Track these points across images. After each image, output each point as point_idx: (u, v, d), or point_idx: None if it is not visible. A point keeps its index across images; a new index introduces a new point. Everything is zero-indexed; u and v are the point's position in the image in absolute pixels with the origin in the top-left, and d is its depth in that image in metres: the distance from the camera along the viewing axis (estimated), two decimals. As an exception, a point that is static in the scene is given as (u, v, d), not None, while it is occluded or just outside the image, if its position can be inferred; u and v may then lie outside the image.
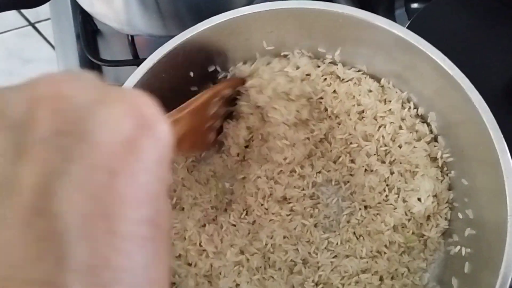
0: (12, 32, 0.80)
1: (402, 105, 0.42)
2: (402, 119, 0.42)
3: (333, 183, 0.43)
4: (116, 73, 0.56)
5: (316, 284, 0.40)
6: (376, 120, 0.42)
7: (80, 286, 0.14)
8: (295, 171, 0.43)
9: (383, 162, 0.42)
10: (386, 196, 0.41)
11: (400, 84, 0.42)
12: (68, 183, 0.15)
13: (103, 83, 0.18)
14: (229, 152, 0.44)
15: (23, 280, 0.14)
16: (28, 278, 0.14)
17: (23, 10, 0.76)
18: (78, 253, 0.14)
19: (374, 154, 0.42)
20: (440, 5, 0.50)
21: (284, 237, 0.41)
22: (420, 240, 0.40)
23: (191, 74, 0.41)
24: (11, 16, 0.76)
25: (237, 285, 0.39)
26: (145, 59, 0.37)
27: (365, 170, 0.42)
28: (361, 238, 0.41)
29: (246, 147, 0.44)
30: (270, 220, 0.42)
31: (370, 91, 0.42)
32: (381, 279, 0.39)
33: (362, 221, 0.41)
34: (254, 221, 0.42)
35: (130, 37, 0.53)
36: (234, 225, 0.42)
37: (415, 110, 0.42)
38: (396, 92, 0.42)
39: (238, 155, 0.44)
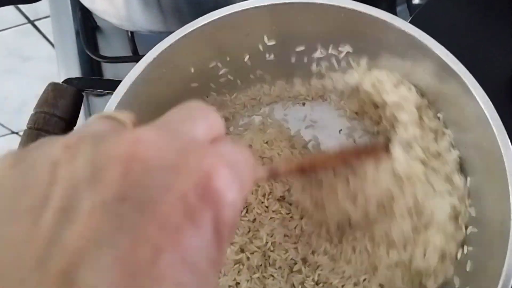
0: (11, 29, 0.80)
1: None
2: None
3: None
4: (115, 70, 0.56)
5: (316, 283, 0.39)
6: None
7: None
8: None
9: None
10: None
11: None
12: (108, 256, 0.14)
13: (189, 140, 0.17)
14: None
15: None
16: None
17: (22, 8, 0.76)
18: None
19: None
20: (442, 1, 0.49)
21: (285, 236, 0.41)
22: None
23: (191, 69, 0.41)
24: (10, 14, 0.76)
25: (237, 283, 0.39)
26: (144, 55, 0.37)
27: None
28: (359, 253, 0.40)
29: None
30: (271, 218, 0.41)
31: None
32: (380, 285, 0.39)
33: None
34: (255, 219, 0.42)
35: (130, 33, 0.53)
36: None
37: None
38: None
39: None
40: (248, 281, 0.39)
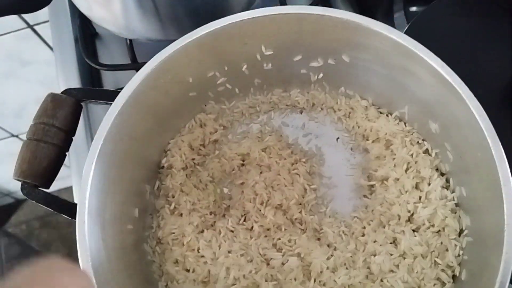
0: (11, 34, 0.80)
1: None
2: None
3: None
4: (114, 77, 0.56)
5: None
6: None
7: None
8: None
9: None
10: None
11: (398, 92, 0.42)
12: None
13: None
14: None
15: None
16: None
17: (21, 13, 0.76)
18: None
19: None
20: (439, 9, 0.50)
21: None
22: None
23: (190, 79, 0.41)
24: (9, 19, 0.76)
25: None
26: (143, 63, 0.37)
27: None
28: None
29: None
30: (268, 229, 0.42)
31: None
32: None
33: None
34: (252, 227, 0.42)
35: (128, 41, 0.53)
36: (232, 231, 0.42)
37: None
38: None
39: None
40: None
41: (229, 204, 0.43)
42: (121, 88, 0.37)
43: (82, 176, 0.34)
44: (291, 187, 0.42)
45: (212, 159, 0.45)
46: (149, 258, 0.41)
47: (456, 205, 0.40)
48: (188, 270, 0.40)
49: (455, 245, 0.38)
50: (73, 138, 0.39)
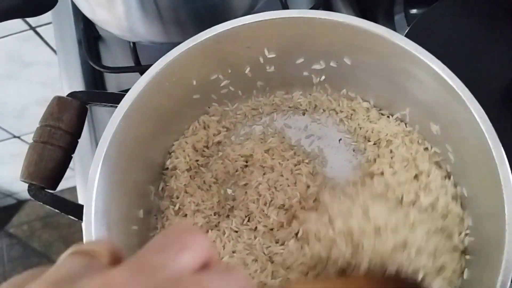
0: (13, 36, 0.81)
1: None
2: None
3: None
4: (117, 79, 0.56)
5: None
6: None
7: None
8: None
9: None
10: None
11: (400, 94, 0.42)
12: None
13: (166, 278, 0.16)
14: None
15: None
16: None
17: (24, 15, 0.76)
18: None
19: None
20: (440, 11, 0.50)
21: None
22: None
23: (194, 82, 0.42)
24: (12, 20, 0.77)
25: None
26: (147, 65, 0.38)
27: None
28: None
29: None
30: (271, 229, 0.42)
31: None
32: None
33: None
34: (256, 227, 0.42)
35: (131, 44, 0.53)
36: (236, 231, 0.42)
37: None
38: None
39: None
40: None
41: (233, 205, 0.44)
42: (125, 91, 0.38)
43: (87, 178, 0.35)
44: (294, 187, 0.43)
45: (215, 161, 0.45)
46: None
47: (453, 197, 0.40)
48: (193, 271, 0.41)
49: (460, 232, 0.38)
50: (78, 140, 0.40)
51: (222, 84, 0.44)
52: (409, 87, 0.40)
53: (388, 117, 0.45)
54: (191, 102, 0.43)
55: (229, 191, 0.45)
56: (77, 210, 0.36)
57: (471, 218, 0.38)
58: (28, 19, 0.78)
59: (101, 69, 0.53)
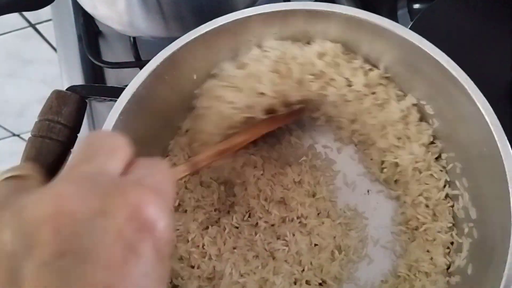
0: (13, 33, 0.80)
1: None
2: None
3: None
4: (117, 75, 0.56)
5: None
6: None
7: None
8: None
9: None
10: None
11: (403, 86, 0.42)
12: None
13: (107, 181, 0.18)
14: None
15: None
16: None
17: (23, 12, 0.76)
18: None
19: None
20: (443, 5, 0.50)
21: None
22: None
23: (194, 76, 0.41)
24: (11, 17, 0.76)
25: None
26: (147, 61, 0.37)
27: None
28: None
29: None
30: (272, 225, 0.42)
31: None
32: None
33: None
34: (257, 223, 0.42)
35: (132, 39, 0.53)
36: (237, 227, 0.42)
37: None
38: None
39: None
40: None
41: (233, 201, 0.43)
42: (126, 85, 0.37)
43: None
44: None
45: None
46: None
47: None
48: (193, 267, 0.40)
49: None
50: (78, 135, 0.39)
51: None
52: (412, 79, 0.40)
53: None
54: (192, 96, 0.43)
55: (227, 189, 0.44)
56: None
57: (475, 212, 0.37)
58: (27, 16, 0.78)
59: (101, 65, 0.53)
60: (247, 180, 0.43)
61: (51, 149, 0.37)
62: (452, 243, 0.39)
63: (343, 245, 0.41)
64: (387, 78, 0.42)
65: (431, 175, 0.41)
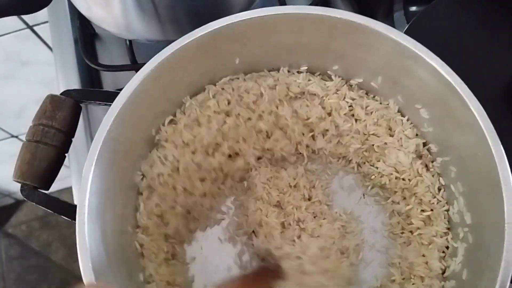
0: (10, 35, 0.80)
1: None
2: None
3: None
4: (114, 78, 0.56)
5: None
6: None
7: None
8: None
9: None
10: None
11: (398, 90, 0.42)
12: None
13: None
14: None
15: None
16: None
17: (21, 13, 0.76)
18: None
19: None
20: (439, 8, 0.49)
21: None
22: None
23: (189, 80, 0.41)
24: (9, 19, 0.76)
25: None
26: (143, 64, 0.37)
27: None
28: None
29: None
30: None
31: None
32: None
33: None
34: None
35: (128, 42, 0.53)
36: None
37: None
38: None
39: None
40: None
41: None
42: (121, 89, 0.37)
43: (81, 177, 0.34)
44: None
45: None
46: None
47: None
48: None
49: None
50: (73, 139, 0.39)
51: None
52: (407, 83, 0.40)
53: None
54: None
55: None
56: (70, 210, 0.36)
57: (470, 217, 0.37)
58: (25, 18, 0.78)
59: (97, 67, 0.53)
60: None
61: (46, 154, 0.37)
62: (447, 247, 0.39)
63: (343, 248, 0.41)
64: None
65: (424, 181, 0.41)
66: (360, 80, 0.43)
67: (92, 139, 0.51)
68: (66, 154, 0.39)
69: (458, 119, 0.36)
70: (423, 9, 0.50)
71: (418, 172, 0.41)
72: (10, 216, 1.39)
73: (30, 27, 0.80)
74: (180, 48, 0.37)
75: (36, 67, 0.90)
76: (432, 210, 0.40)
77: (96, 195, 0.35)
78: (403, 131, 0.42)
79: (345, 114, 0.43)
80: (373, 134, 0.42)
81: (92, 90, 0.49)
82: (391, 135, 0.42)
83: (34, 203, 0.37)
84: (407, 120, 0.43)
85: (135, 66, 0.52)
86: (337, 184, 0.44)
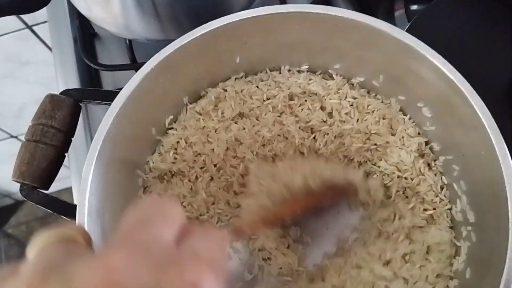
0: (10, 35, 0.80)
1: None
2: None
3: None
4: (113, 77, 0.56)
5: None
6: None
7: None
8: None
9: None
10: None
11: (399, 89, 0.41)
12: None
13: (161, 252, 0.17)
14: None
15: None
16: None
17: (20, 13, 0.76)
18: None
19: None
20: (440, 7, 0.49)
21: None
22: None
23: (190, 79, 0.41)
24: (8, 19, 0.76)
25: None
26: (143, 63, 0.37)
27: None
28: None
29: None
30: None
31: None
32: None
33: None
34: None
35: (127, 41, 0.53)
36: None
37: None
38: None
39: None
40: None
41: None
42: (120, 89, 0.37)
43: (81, 177, 0.34)
44: None
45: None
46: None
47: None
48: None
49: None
50: (72, 139, 0.39)
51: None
52: (409, 82, 0.39)
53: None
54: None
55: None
56: (70, 210, 0.35)
57: (473, 215, 0.37)
58: (24, 18, 0.78)
59: (97, 67, 0.52)
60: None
61: (45, 153, 0.36)
62: (450, 246, 0.39)
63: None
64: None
65: (427, 179, 0.40)
66: (362, 79, 0.43)
67: (91, 138, 0.51)
68: (65, 154, 0.38)
69: (461, 117, 0.36)
70: (424, 8, 0.50)
71: (420, 171, 0.41)
72: (10, 216, 1.39)
73: (30, 27, 0.80)
74: (180, 47, 0.37)
75: (35, 67, 0.90)
76: (434, 209, 0.40)
77: (96, 195, 0.34)
78: (405, 130, 0.42)
79: (346, 114, 0.43)
80: (374, 133, 0.42)
81: (92, 89, 0.49)
82: (393, 134, 0.42)
83: (33, 203, 0.37)
84: (409, 118, 0.43)
85: (134, 65, 0.51)
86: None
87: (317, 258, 0.40)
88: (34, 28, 0.80)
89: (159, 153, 0.42)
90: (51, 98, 0.38)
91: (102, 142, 0.35)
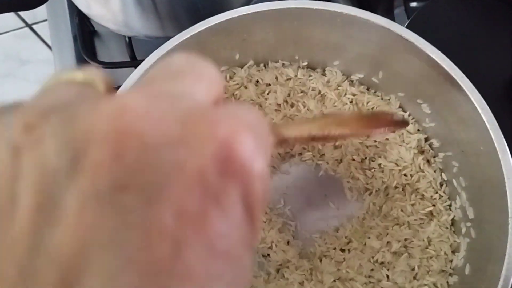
0: (9, 33, 0.80)
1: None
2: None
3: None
4: (113, 75, 0.56)
5: None
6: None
7: None
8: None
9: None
10: None
11: (399, 85, 0.41)
12: (118, 258, 0.11)
13: (191, 104, 0.13)
14: None
15: None
16: None
17: (19, 12, 0.76)
18: None
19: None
20: (439, 4, 0.49)
21: None
22: None
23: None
24: (8, 18, 0.76)
25: None
26: (142, 60, 0.37)
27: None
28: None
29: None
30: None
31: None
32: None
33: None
34: None
35: (127, 38, 0.52)
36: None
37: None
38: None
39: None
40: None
41: None
42: (120, 86, 0.37)
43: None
44: None
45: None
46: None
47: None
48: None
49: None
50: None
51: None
52: (409, 79, 0.39)
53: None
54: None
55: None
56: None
57: (473, 211, 0.37)
58: (24, 17, 0.78)
59: (97, 64, 0.52)
60: None
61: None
62: (449, 243, 0.39)
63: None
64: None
65: (426, 176, 0.40)
66: (361, 76, 0.43)
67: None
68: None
69: (460, 114, 0.36)
70: (424, 5, 0.50)
71: (420, 167, 0.41)
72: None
73: (29, 26, 0.80)
74: (179, 43, 0.37)
75: (35, 66, 0.90)
76: (434, 205, 0.40)
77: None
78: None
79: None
80: None
81: (91, 86, 0.49)
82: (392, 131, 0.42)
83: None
84: (409, 115, 0.43)
85: (134, 62, 0.51)
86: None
87: (316, 252, 0.40)
88: (33, 26, 0.81)
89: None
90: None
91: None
